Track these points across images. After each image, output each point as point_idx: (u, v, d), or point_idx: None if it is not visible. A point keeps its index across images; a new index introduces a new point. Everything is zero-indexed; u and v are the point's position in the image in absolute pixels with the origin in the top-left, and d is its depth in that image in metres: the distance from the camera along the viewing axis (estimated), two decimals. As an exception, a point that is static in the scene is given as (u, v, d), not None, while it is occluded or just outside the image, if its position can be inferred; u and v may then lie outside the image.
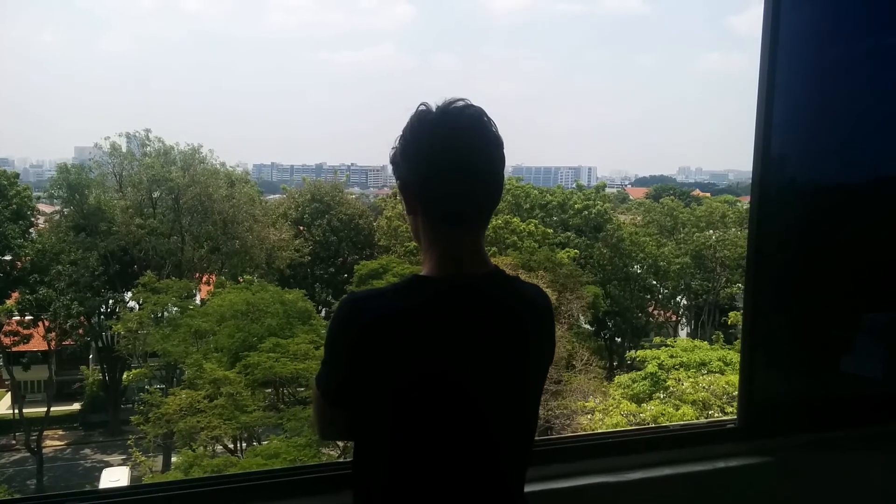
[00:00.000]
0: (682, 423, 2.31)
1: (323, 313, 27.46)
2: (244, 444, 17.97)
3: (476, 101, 1.42)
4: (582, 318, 27.23)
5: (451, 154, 1.37)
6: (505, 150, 1.43)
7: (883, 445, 2.28)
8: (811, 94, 2.00)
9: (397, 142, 1.44)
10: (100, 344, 28.83)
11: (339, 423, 1.48)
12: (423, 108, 1.40)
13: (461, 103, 1.40)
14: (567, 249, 29.30)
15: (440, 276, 1.39)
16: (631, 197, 52.81)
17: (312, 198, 35.20)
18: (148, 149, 29.21)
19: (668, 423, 2.43)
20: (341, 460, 1.85)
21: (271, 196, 43.36)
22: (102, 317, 28.09)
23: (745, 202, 51.40)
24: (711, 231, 35.04)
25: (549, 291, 22.81)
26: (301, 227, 34.12)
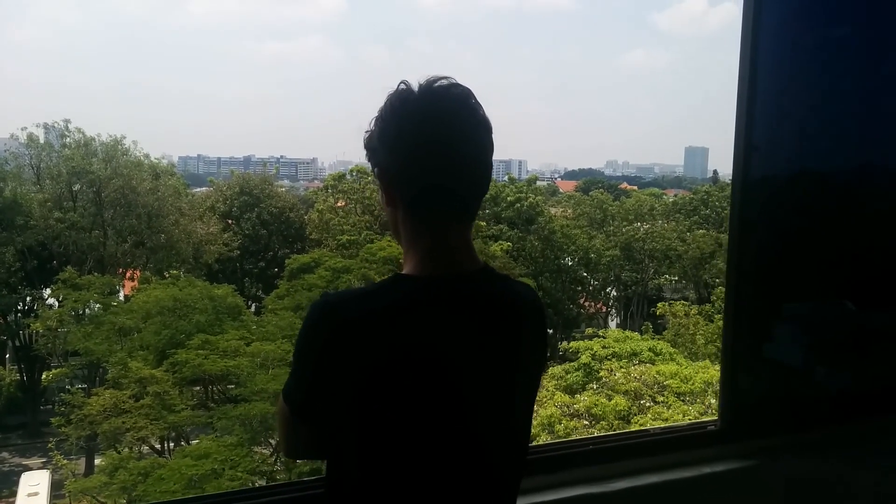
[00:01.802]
0: (662, 426, 2.26)
1: (253, 308, 26.96)
2: (172, 445, 17.47)
3: None
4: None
5: (436, 138, 1.23)
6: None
7: (867, 444, 2.26)
8: (793, 82, 1.98)
9: (373, 124, 1.29)
10: (17, 343, 27.42)
11: (310, 441, 1.33)
12: (403, 86, 1.26)
13: (446, 81, 1.26)
14: (500, 242, 29.58)
15: (425, 274, 1.25)
16: (561, 190, 53.69)
17: (241, 190, 34.47)
18: (67, 140, 27.91)
19: (648, 427, 2.39)
20: (312, 479, 1.72)
21: (198, 189, 42.39)
22: (19, 315, 26.74)
23: (670, 195, 53.15)
24: (639, 223, 36.01)
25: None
26: (230, 221, 33.39)
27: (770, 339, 2.20)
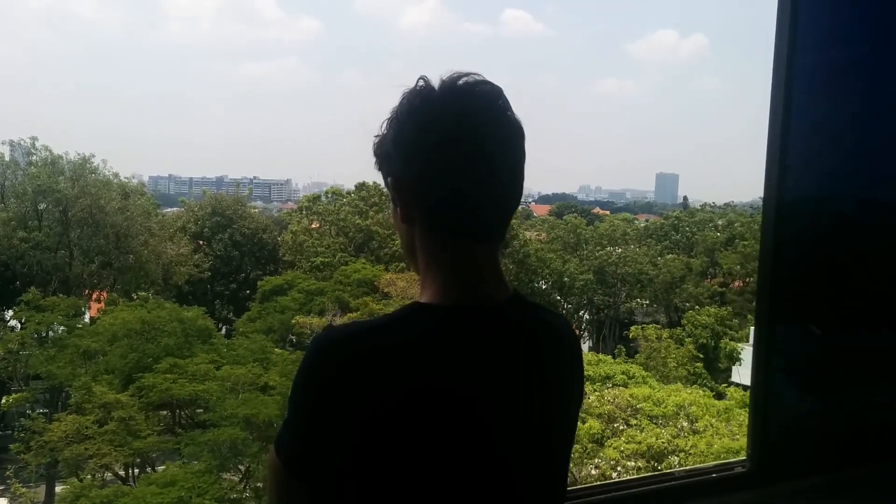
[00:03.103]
0: (688, 468, 2.07)
1: (224, 331, 26.53)
2: (137, 472, 17.00)
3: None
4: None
5: (462, 144, 1.05)
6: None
7: None
8: (827, 99, 1.89)
9: (386, 126, 1.11)
10: (-25, 367, 26.57)
11: (307, 500, 1.07)
12: (422, 83, 1.09)
13: (472, 78, 1.09)
14: (474, 265, 29.39)
15: (447, 304, 1.07)
16: (535, 214, 54.04)
17: (213, 211, 34.07)
18: (34, 158, 27.39)
19: (672, 469, 2.16)
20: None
21: (169, 209, 41.84)
22: (-21, 337, 25.93)
23: (641, 220, 53.76)
24: (612, 248, 36.30)
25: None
26: (201, 242, 32.94)
27: (804, 370, 2.05)
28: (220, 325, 26.99)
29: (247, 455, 14.76)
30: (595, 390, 14.88)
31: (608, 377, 15.88)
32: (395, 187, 1.12)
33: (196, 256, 30.65)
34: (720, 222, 44.30)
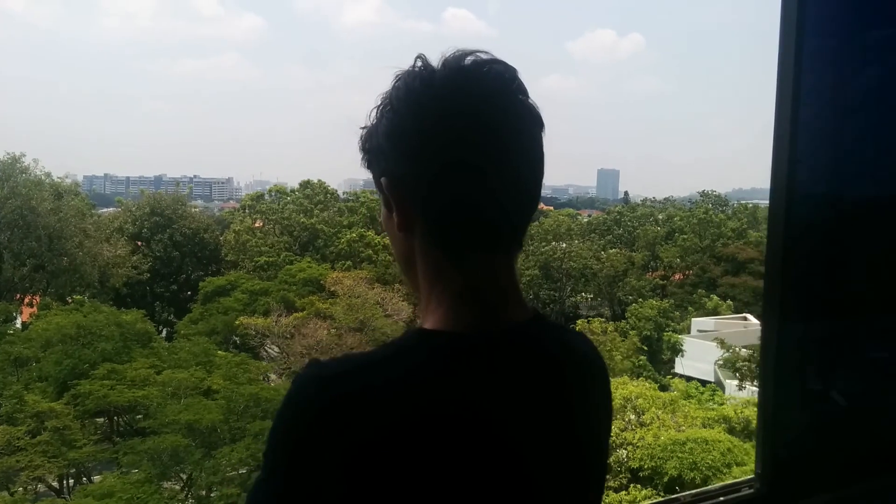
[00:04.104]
0: (693, 492, 1.91)
1: (164, 334, 25.86)
2: (73, 483, 16.36)
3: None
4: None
5: (475, 136, 0.87)
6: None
7: None
8: (835, 92, 1.77)
9: (376, 115, 0.93)
10: None
11: None
12: (420, 64, 0.91)
13: (480, 56, 0.91)
14: (421, 262, 29.40)
15: (458, 329, 0.89)
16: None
17: (152, 211, 33.18)
18: (-42, 157, 26.10)
19: (677, 495, 1.96)
20: None
21: (105, 209, 40.72)
22: None
23: (584, 215, 54.60)
24: (557, 243, 36.76)
25: (404, 305, 23.06)
26: (139, 243, 32.07)
27: (815, 380, 1.91)
28: (160, 328, 26.36)
29: (189, 462, 14.37)
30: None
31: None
32: (390, 189, 0.92)
33: (134, 258, 29.83)
34: (660, 216, 45.36)
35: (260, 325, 20.62)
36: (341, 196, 42.30)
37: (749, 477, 1.88)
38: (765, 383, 1.79)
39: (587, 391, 1.00)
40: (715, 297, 31.43)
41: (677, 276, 37.14)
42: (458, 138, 0.87)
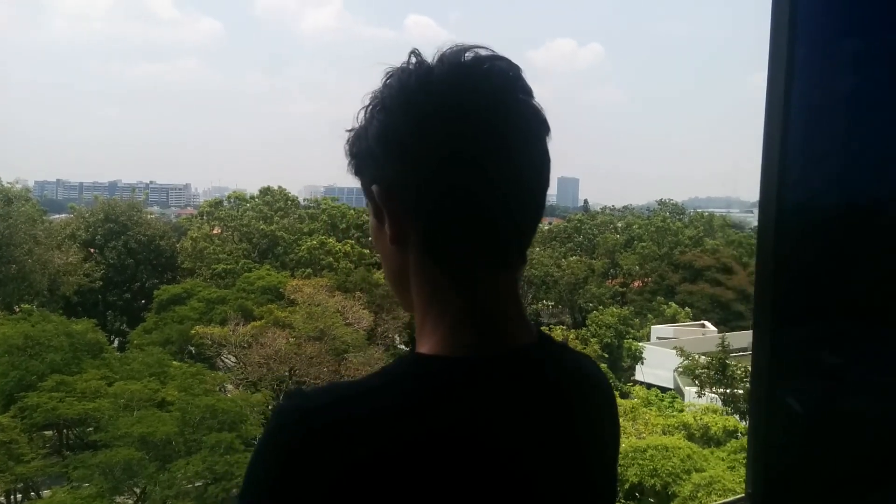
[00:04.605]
0: None
1: (116, 344, 25.23)
2: (20, 498, 15.80)
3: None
4: (398, 338, 27.31)
5: (477, 138, 0.80)
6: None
7: None
8: (829, 97, 1.71)
9: (366, 116, 0.85)
10: None
11: None
12: (415, 60, 0.83)
13: (480, 52, 0.83)
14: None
15: (459, 354, 0.81)
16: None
17: (106, 217, 32.41)
18: None
19: None
20: None
21: (57, 216, 39.77)
22: None
23: (545, 223, 55.03)
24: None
25: (365, 313, 22.84)
26: (92, 250, 31.30)
27: (811, 390, 1.83)
28: (112, 338, 25.77)
29: (143, 476, 14.00)
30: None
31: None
32: (382, 197, 0.84)
33: (87, 265, 29.12)
34: (619, 224, 45.98)
35: (217, 335, 20.22)
36: (302, 203, 41.95)
37: (739, 496, 1.80)
38: (756, 399, 1.72)
39: (595, 417, 0.93)
40: (674, 305, 31.93)
41: (637, 284, 37.62)
42: (458, 141, 0.80)
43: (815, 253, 1.75)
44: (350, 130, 0.88)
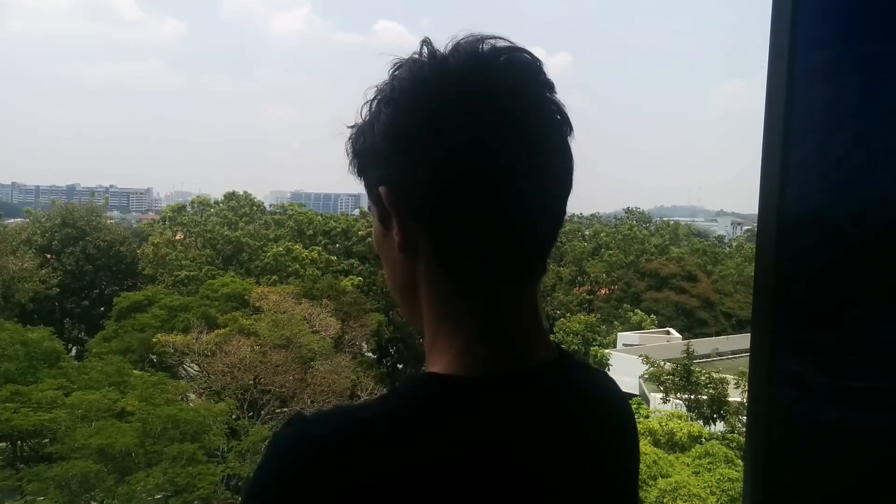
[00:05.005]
0: None
1: (74, 353, 24.59)
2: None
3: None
4: (365, 346, 27.12)
5: (497, 136, 0.73)
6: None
7: None
8: (830, 101, 1.69)
9: (371, 112, 0.78)
10: None
11: None
12: (427, 51, 0.76)
13: (498, 42, 0.76)
14: (351, 277, 29.13)
15: (475, 374, 0.73)
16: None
17: (63, 222, 31.66)
18: None
19: None
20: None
21: (11, 220, 38.85)
22: None
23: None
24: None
25: (332, 321, 22.63)
26: (49, 256, 30.60)
27: (812, 402, 1.77)
28: (69, 347, 25.09)
29: (101, 489, 13.70)
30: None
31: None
32: (390, 201, 0.76)
33: (43, 271, 28.43)
34: (587, 232, 46.38)
35: (179, 343, 19.81)
36: (268, 208, 41.51)
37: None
38: (755, 406, 1.64)
39: (616, 437, 0.87)
40: (640, 312, 32.29)
41: (603, 291, 37.95)
42: (476, 138, 0.72)
43: (815, 260, 1.70)
44: (352, 127, 0.80)
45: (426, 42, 0.76)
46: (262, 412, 19.11)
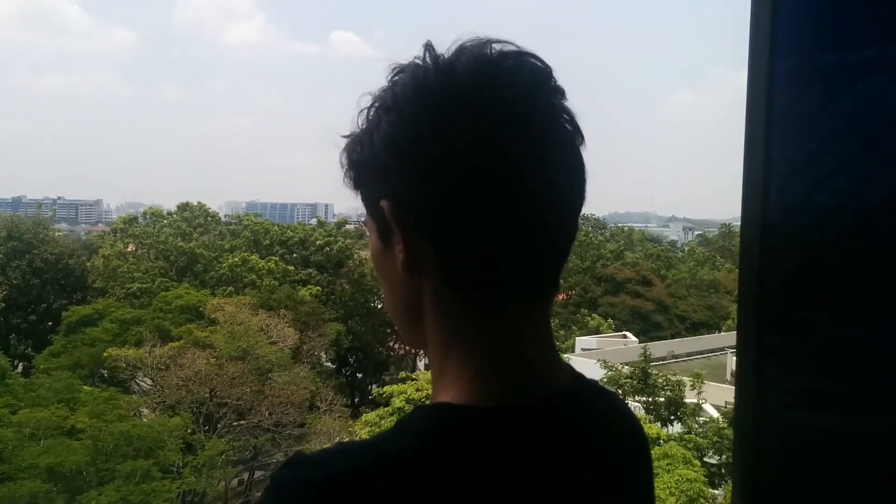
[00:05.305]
0: None
1: (20, 369, 23.80)
2: None
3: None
4: (324, 355, 26.86)
5: (510, 148, 0.68)
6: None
7: None
8: (810, 103, 1.70)
9: (370, 120, 0.73)
10: None
11: None
12: (431, 56, 0.71)
13: (505, 47, 0.72)
14: (309, 287, 28.85)
15: (490, 404, 0.69)
16: (368, 233, 53.91)
17: (9, 235, 30.79)
18: None
19: None
20: None
21: (-47, 233, 37.15)
22: None
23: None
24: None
25: (290, 331, 22.35)
26: (-7, 270, 29.36)
27: (802, 416, 1.78)
28: (16, 363, 24.27)
29: (50, 510, 13.17)
30: (434, 409, 14.85)
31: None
32: (394, 216, 0.70)
33: (-13, 286, 27.32)
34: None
35: (131, 357, 19.32)
36: (223, 219, 40.87)
37: None
38: (741, 412, 1.65)
39: (633, 462, 0.83)
40: (597, 317, 32.68)
41: (561, 297, 38.30)
42: (487, 148, 0.67)
43: (800, 263, 1.71)
44: (347, 136, 0.75)
45: (428, 46, 0.71)
46: (219, 426, 18.74)
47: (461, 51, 0.71)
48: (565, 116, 0.72)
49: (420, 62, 0.71)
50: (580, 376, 0.80)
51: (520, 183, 0.68)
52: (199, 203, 37.94)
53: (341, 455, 0.65)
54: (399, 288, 0.75)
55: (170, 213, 37.45)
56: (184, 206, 37.42)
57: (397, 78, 0.72)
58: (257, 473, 21.60)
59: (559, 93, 0.72)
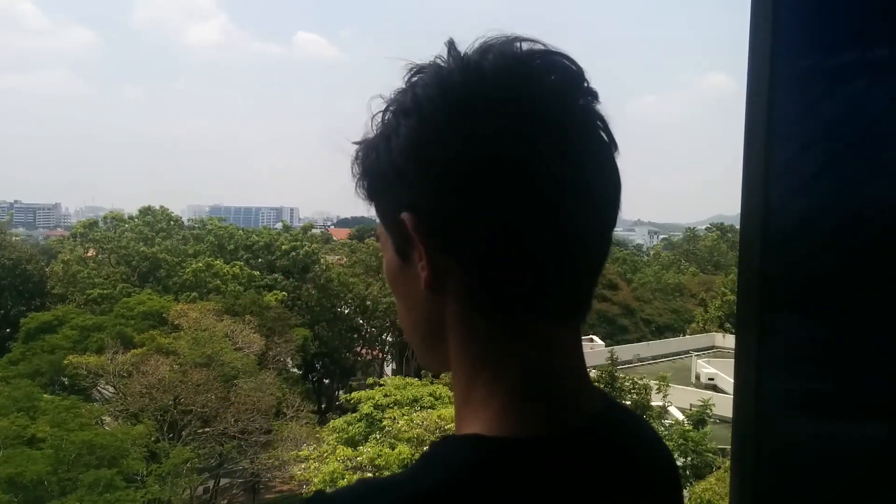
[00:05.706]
0: None
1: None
2: None
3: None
4: (290, 361, 26.60)
5: (545, 151, 0.62)
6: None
7: None
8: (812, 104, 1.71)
9: (388, 125, 0.67)
10: None
11: None
12: (454, 55, 0.65)
13: (533, 46, 0.66)
14: (274, 292, 28.55)
15: (529, 433, 0.64)
16: (334, 238, 53.60)
17: (-37, 240, 29.69)
18: None
19: None
20: None
21: None
22: None
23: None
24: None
25: (256, 337, 22.08)
26: (-53, 276, 28.50)
27: (803, 421, 1.78)
28: (-28, 372, 23.51)
29: (9, 522, 12.82)
30: (403, 414, 14.81)
31: (416, 400, 15.89)
32: (417, 229, 0.64)
33: (-60, 293, 26.50)
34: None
35: (92, 364, 18.91)
36: (186, 223, 40.25)
37: None
38: (741, 418, 1.67)
39: (668, 490, 0.79)
40: (563, 320, 32.89)
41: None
42: (520, 154, 0.61)
43: (800, 263, 1.74)
44: (359, 142, 0.69)
45: (451, 44, 0.65)
46: (184, 433, 18.44)
47: (487, 48, 0.64)
48: (600, 119, 0.67)
49: (442, 62, 0.65)
50: (612, 401, 0.75)
51: (555, 193, 0.62)
52: (161, 207, 37.33)
53: (371, 494, 0.60)
54: (418, 307, 0.69)
55: (131, 218, 36.78)
56: (146, 210, 36.78)
57: (416, 79, 0.66)
58: (223, 481, 21.32)
59: (593, 94, 0.67)
